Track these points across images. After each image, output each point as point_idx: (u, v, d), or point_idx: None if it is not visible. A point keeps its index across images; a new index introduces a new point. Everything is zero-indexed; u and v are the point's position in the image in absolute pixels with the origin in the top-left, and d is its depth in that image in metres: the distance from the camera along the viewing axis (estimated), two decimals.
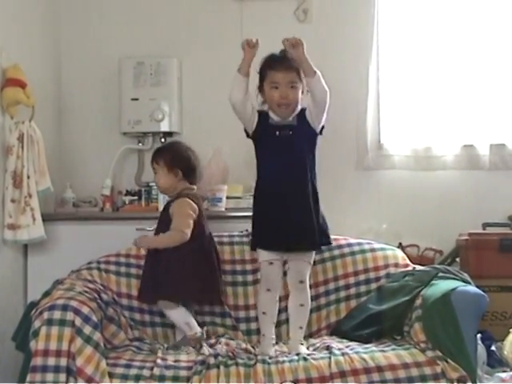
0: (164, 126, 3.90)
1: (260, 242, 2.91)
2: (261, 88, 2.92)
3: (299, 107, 2.89)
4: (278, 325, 3.01)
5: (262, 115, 2.90)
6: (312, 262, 2.95)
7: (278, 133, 2.85)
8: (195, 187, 3.10)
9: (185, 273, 2.92)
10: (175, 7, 4.08)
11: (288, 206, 2.81)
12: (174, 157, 3.07)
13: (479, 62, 3.93)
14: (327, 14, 4.02)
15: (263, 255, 2.90)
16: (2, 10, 3.27)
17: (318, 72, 2.80)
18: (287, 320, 2.99)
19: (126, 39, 4.06)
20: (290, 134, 2.84)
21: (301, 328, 2.89)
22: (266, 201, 2.87)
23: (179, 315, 2.95)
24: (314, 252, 2.95)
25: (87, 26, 4.09)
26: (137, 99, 3.90)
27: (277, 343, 2.93)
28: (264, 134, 2.88)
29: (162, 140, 3.94)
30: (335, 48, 3.99)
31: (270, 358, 2.67)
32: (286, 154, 2.83)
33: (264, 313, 2.91)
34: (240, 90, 2.84)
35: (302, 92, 2.87)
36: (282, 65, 2.82)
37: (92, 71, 4.08)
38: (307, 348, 2.85)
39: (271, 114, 2.89)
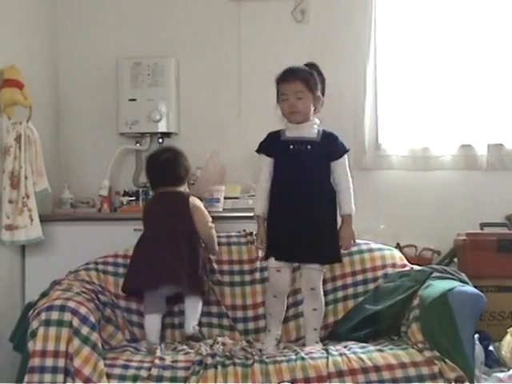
0: (162, 127, 3.90)
1: (271, 252, 2.95)
2: (278, 101, 3.01)
3: (321, 128, 2.97)
4: (286, 321, 3.07)
5: (273, 137, 2.99)
6: (324, 270, 2.98)
7: (292, 146, 2.91)
8: (165, 188, 3.19)
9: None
10: (172, 7, 4.07)
11: (299, 218, 2.87)
12: None
13: (477, 62, 3.93)
14: (325, 14, 4.02)
15: (272, 262, 2.95)
16: None
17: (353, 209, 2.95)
18: (294, 316, 3.07)
19: (123, 40, 4.06)
20: (308, 148, 2.90)
21: (315, 329, 2.95)
22: (279, 212, 2.93)
23: (147, 321, 3.00)
24: None
25: (84, 27, 4.09)
26: (134, 100, 3.89)
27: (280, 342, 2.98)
28: (277, 150, 2.95)
29: (160, 141, 3.94)
30: (333, 48, 3.99)
31: (268, 357, 2.67)
32: (301, 167, 2.90)
33: (270, 314, 2.98)
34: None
35: (315, 106, 2.95)
36: (287, 76, 2.95)
37: (89, 72, 4.08)
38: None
39: (286, 132, 2.96)
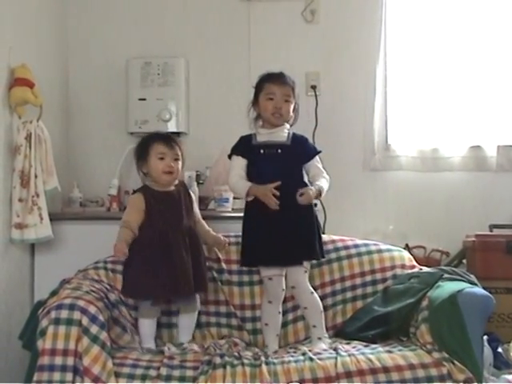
0: (171, 126, 3.90)
1: (254, 260, 3.00)
2: (255, 102, 3.04)
3: (290, 131, 3.01)
4: (294, 321, 3.12)
5: (245, 141, 3.02)
6: (308, 268, 2.98)
7: (262, 151, 2.96)
8: None
9: None
10: (182, 7, 4.08)
11: (275, 222, 2.87)
12: None
13: (487, 63, 3.93)
14: (335, 14, 4.02)
15: (263, 271, 3.00)
16: (11, 10, 3.28)
17: (324, 186, 2.94)
18: (302, 316, 3.06)
19: (133, 39, 4.07)
20: (279, 152, 2.95)
21: (314, 326, 2.94)
22: (255, 219, 2.96)
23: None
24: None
25: (95, 27, 4.10)
26: (144, 99, 3.90)
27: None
28: (250, 154, 2.99)
29: None
30: (342, 48, 4.00)
31: (276, 357, 2.67)
32: (273, 170, 2.92)
33: (266, 324, 3.00)
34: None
35: (294, 109, 3.02)
36: (279, 79, 2.99)
37: (99, 71, 4.08)
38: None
39: (257, 136, 3.00)
